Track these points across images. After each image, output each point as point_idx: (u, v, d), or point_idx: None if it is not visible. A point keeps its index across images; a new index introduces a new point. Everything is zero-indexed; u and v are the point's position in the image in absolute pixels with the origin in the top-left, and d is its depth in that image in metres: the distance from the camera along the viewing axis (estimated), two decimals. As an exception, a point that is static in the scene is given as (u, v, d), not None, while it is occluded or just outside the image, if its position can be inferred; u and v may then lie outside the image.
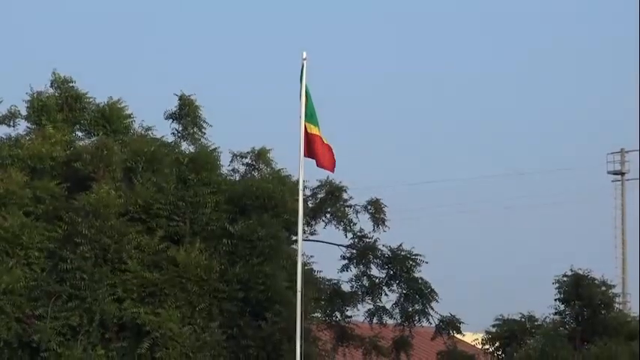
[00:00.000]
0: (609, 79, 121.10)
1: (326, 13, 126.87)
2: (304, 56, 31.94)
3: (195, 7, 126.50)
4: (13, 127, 37.51)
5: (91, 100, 37.86)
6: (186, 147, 37.81)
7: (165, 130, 38.32)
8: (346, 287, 39.82)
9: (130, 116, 37.71)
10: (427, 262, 39.90)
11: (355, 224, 39.64)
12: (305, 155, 32.01)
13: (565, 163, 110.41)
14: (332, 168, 33.07)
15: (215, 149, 37.29)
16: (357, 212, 39.74)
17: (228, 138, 40.71)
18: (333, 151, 32.37)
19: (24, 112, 37.45)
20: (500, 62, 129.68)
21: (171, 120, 38.03)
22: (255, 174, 37.75)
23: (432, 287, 39.80)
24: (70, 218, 33.86)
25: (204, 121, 38.05)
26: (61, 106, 37.20)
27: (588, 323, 38.82)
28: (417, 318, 40.10)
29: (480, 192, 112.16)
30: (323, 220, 39.11)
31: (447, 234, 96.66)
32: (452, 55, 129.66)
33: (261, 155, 38.08)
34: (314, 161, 32.82)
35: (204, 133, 38.14)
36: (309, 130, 31.71)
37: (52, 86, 37.60)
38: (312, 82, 31.98)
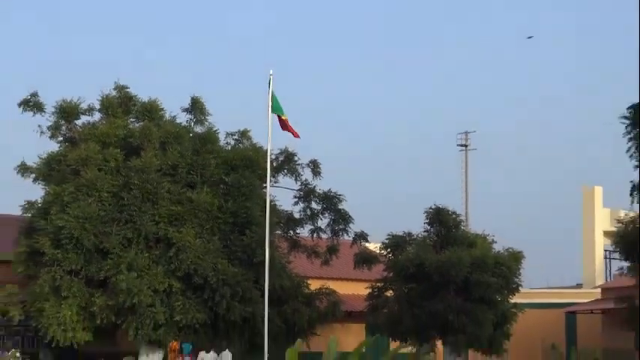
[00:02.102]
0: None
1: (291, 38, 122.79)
2: (271, 72, 33.27)
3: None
4: (91, 116, 37.91)
5: (139, 99, 38.17)
6: (198, 129, 38.18)
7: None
8: (296, 215, 40.13)
9: (162, 109, 37.95)
10: (346, 200, 40.12)
11: (302, 175, 39.75)
12: (282, 129, 33.57)
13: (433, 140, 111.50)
14: (297, 135, 34.19)
15: (216, 130, 37.94)
16: (303, 168, 39.75)
17: (225, 123, 41.09)
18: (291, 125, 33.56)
19: (97, 107, 37.78)
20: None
21: (185, 112, 38.47)
22: (241, 145, 38.17)
23: (350, 214, 40.02)
24: (126, 173, 34.69)
25: (208, 112, 38.52)
26: (120, 103, 37.69)
27: (444, 237, 39.31)
28: (340, 233, 40.34)
29: (386, 153, 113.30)
30: (282, 174, 39.20)
31: (362, 179, 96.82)
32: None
33: (244, 134, 38.72)
34: (277, 137, 34.58)
35: (208, 120, 38.54)
36: (282, 117, 32.97)
37: (115, 90, 37.88)
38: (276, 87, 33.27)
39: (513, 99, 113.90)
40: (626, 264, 37.65)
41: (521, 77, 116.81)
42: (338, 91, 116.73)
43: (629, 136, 26.72)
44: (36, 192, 36.84)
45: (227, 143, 38.19)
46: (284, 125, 33.59)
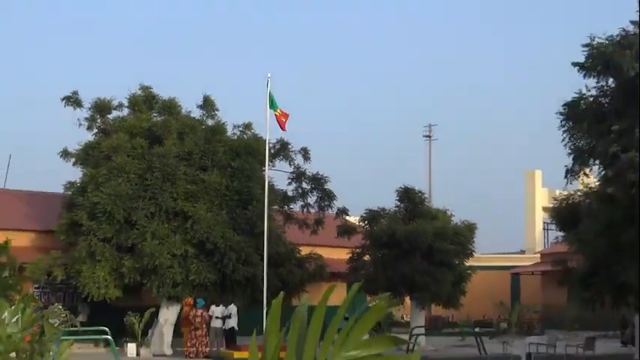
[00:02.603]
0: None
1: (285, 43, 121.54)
2: (269, 76, 33.41)
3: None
4: (121, 111, 38.13)
5: (160, 97, 38.36)
6: (209, 122, 38.25)
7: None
8: (290, 193, 39.94)
9: (179, 105, 38.18)
10: (330, 181, 39.91)
11: (294, 160, 39.57)
12: (278, 123, 33.37)
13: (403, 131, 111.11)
14: (284, 129, 34.11)
15: (224, 123, 38.14)
16: (295, 154, 39.52)
17: (231, 117, 41.14)
18: (286, 117, 33.11)
19: (126, 104, 38.11)
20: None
21: (199, 108, 38.59)
22: (244, 136, 38.18)
23: (334, 192, 39.79)
24: (150, 158, 35.02)
25: (217, 108, 38.71)
26: (144, 100, 37.94)
27: (411, 212, 39.21)
28: (326, 208, 40.12)
29: (364, 143, 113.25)
30: (278, 159, 39.07)
31: (346, 164, 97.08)
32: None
33: (247, 126, 38.55)
34: (275, 128, 34.41)
35: (217, 114, 38.63)
36: (276, 113, 33.22)
37: (140, 89, 38.13)
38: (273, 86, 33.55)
39: (472, 93, 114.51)
40: (560, 234, 38.12)
41: (469, 74, 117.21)
42: (327, 87, 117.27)
43: (563, 128, 27.18)
44: (75, 174, 37.37)
45: (233, 134, 38.21)
46: (279, 120, 34.05)
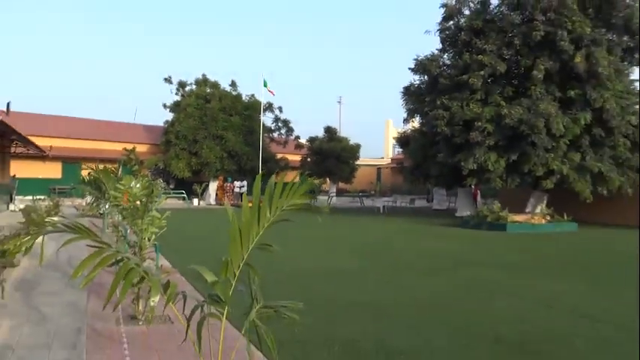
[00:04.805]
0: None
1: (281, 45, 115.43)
2: (263, 74, 32.80)
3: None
4: (191, 87, 36.21)
5: (210, 80, 36.64)
6: (234, 93, 36.46)
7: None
8: (273, 128, 37.88)
9: (220, 84, 36.48)
10: (292, 121, 38.46)
11: (275, 112, 37.71)
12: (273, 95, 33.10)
13: (324, 90, 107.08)
14: (273, 94, 34.05)
15: (240, 94, 36.77)
16: (275, 109, 37.80)
17: (245, 90, 40.00)
18: (273, 92, 33.16)
19: (193, 83, 36.58)
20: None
21: (229, 86, 37.05)
22: (251, 99, 36.71)
23: (294, 127, 38.35)
24: (205, 110, 34.11)
25: (238, 86, 37.20)
26: (203, 81, 36.42)
27: (330, 138, 38.25)
28: (290, 135, 38.12)
29: (318, 104, 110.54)
30: (269, 112, 37.44)
31: (304, 112, 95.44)
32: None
33: (252, 95, 37.42)
34: (269, 95, 33.89)
35: (238, 89, 37.09)
36: (269, 89, 32.59)
37: (202, 77, 36.69)
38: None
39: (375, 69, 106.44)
40: (400, 150, 38.18)
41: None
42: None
43: (403, 99, 26.67)
44: (169, 116, 36.45)
45: (246, 98, 36.95)
46: (269, 91, 33.52)
